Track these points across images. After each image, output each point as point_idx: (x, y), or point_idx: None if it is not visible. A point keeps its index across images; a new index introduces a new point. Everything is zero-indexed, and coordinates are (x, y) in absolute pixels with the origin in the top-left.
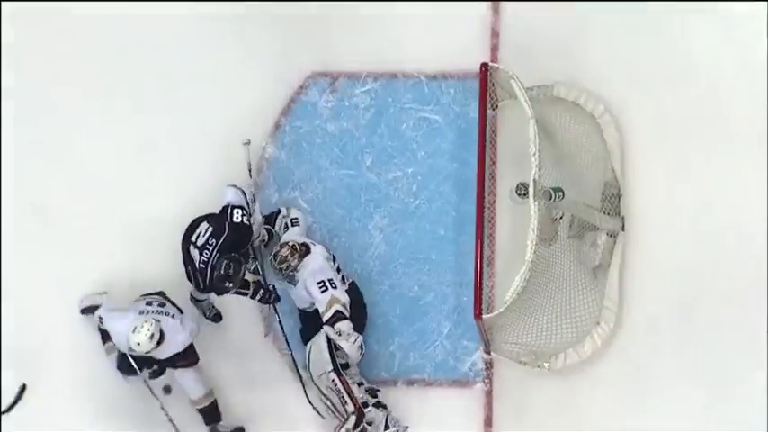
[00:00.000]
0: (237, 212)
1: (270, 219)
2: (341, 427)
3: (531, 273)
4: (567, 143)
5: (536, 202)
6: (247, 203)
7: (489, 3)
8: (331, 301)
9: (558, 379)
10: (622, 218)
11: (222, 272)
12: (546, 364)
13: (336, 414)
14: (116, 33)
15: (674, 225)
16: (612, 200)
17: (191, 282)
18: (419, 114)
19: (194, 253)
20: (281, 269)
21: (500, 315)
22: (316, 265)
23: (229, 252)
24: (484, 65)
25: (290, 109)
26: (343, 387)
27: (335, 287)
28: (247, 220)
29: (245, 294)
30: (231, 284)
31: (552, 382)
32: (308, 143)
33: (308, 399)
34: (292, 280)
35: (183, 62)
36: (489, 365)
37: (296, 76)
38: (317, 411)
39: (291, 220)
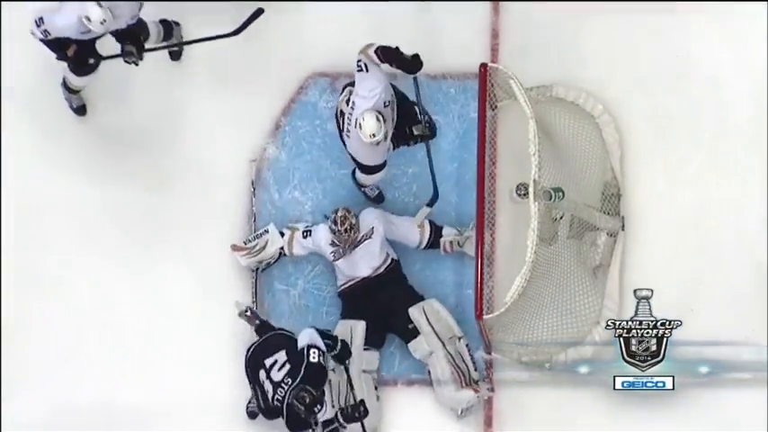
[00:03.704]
0: (314, 352)
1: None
2: (467, 385)
3: (532, 273)
4: (567, 143)
5: (536, 202)
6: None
7: (489, 3)
8: (421, 213)
9: (559, 379)
10: (622, 218)
11: (298, 409)
12: (546, 364)
13: (462, 379)
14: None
15: (674, 225)
16: (612, 200)
17: (258, 402)
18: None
19: (267, 386)
20: (345, 230)
21: (501, 315)
22: (377, 210)
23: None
24: (483, 65)
25: (290, 109)
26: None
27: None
28: (323, 360)
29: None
30: (304, 416)
31: (552, 383)
32: (308, 143)
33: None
34: (357, 241)
35: (183, 62)
36: (489, 365)
37: (296, 76)
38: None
39: (303, 232)
